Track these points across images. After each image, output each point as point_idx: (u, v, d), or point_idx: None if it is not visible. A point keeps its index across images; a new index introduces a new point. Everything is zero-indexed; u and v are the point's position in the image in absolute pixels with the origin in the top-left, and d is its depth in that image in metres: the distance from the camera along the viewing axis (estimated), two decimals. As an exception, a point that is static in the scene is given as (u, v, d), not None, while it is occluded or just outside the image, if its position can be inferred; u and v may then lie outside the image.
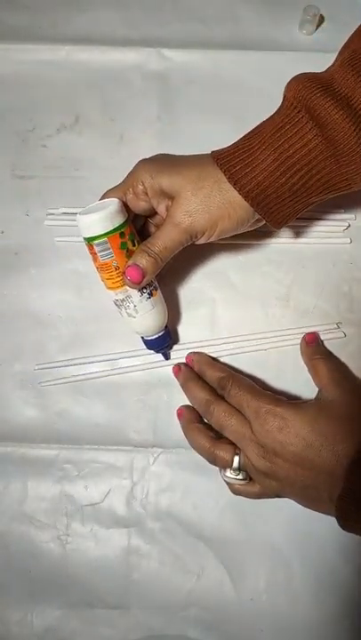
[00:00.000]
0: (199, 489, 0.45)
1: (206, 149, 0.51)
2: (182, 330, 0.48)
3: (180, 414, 0.46)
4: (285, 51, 0.53)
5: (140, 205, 0.42)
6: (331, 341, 0.48)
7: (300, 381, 0.46)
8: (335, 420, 0.39)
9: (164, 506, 0.46)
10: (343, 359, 0.47)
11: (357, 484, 0.36)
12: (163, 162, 0.41)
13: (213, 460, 0.42)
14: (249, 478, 0.41)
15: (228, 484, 0.43)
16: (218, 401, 0.42)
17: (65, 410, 0.48)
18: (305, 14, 0.52)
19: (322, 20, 0.54)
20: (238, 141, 0.39)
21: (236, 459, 0.41)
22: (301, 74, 0.38)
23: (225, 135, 0.51)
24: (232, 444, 0.41)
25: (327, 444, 0.37)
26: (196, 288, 0.49)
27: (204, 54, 0.53)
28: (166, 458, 0.47)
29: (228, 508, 0.46)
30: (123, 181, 0.42)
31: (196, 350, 0.47)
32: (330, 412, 0.39)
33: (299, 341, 0.47)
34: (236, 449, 0.41)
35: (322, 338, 0.47)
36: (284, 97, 0.39)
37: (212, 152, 0.40)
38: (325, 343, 0.47)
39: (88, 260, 0.49)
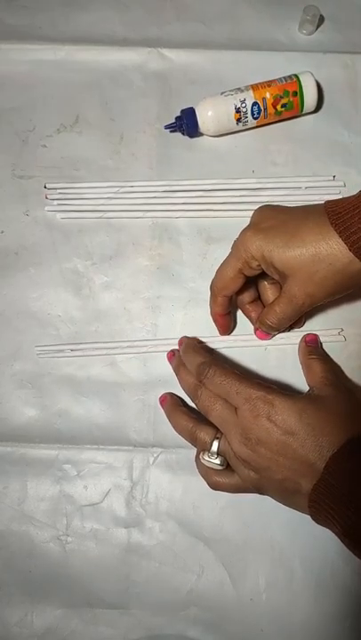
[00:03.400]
0: (199, 489, 0.45)
1: (206, 149, 0.51)
2: (182, 330, 0.48)
3: (163, 400, 0.46)
4: (285, 51, 0.53)
5: (254, 273, 0.43)
6: (331, 342, 0.48)
7: (299, 381, 0.46)
8: (324, 413, 0.38)
9: (163, 506, 0.46)
10: (343, 360, 0.47)
11: (334, 476, 0.36)
12: (272, 235, 0.40)
13: (193, 441, 0.42)
14: (226, 465, 0.41)
15: (205, 477, 0.43)
16: (206, 385, 0.42)
17: (65, 410, 0.48)
18: (305, 14, 0.52)
19: (322, 20, 0.54)
20: (357, 201, 0.38)
21: (216, 443, 0.41)
22: None
23: (224, 135, 0.52)
24: (215, 427, 0.41)
25: (313, 435, 0.37)
26: (196, 288, 0.49)
27: (204, 54, 0.53)
28: (166, 458, 0.47)
29: (228, 508, 0.46)
30: (234, 256, 0.42)
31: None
32: (319, 406, 0.39)
33: (298, 342, 0.47)
34: (217, 433, 0.41)
35: (322, 340, 0.47)
36: None
37: (331, 216, 0.39)
38: (325, 344, 0.47)
39: (87, 259, 0.50)
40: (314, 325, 0.48)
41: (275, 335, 0.47)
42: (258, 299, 0.47)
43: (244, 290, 0.46)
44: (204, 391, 0.42)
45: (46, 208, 0.50)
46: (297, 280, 0.40)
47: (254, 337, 0.48)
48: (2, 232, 0.50)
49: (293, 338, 0.47)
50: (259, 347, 0.48)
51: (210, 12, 0.55)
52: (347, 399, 0.41)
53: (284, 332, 0.47)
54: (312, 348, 0.46)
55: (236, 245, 0.42)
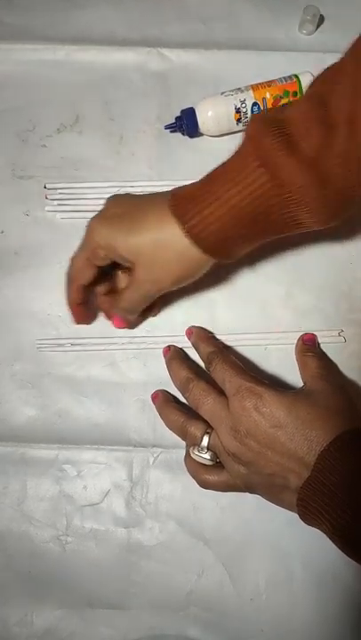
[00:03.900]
0: (199, 489, 0.45)
1: (206, 149, 0.51)
2: (182, 330, 0.48)
3: (154, 397, 0.46)
4: (285, 51, 0.53)
5: (105, 262, 0.42)
6: (331, 342, 0.48)
7: (299, 381, 0.46)
8: (314, 407, 0.38)
9: (163, 506, 0.46)
10: (344, 359, 0.47)
11: (324, 473, 0.35)
12: (116, 223, 0.41)
13: (184, 435, 0.43)
14: (216, 462, 0.41)
15: (194, 475, 0.43)
16: (198, 379, 0.43)
17: (65, 410, 0.48)
18: (305, 14, 0.52)
19: (322, 20, 0.54)
20: (196, 190, 0.39)
21: (206, 437, 0.41)
22: (259, 115, 0.39)
23: (224, 135, 0.52)
24: (205, 422, 0.42)
25: (302, 429, 0.37)
26: (196, 288, 0.49)
27: (204, 54, 0.53)
28: (166, 458, 0.47)
29: (228, 507, 0.46)
30: (83, 247, 0.43)
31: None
32: (310, 400, 0.39)
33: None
34: (207, 428, 0.41)
35: (322, 340, 0.47)
36: (244, 137, 0.38)
37: (171, 203, 0.39)
38: (326, 345, 0.48)
39: (88, 259, 0.50)
40: (314, 326, 0.48)
41: (131, 322, 0.47)
42: (114, 290, 0.47)
43: (99, 281, 0.46)
44: (196, 385, 0.42)
45: (46, 208, 0.50)
46: (142, 266, 0.40)
47: (255, 336, 0.48)
48: (2, 232, 0.50)
49: (294, 338, 0.47)
50: (259, 346, 0.48)
51: (210, 11, 0.55)
52: (338, 394, 0.40)
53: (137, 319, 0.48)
54: (309, 346, 0.46)
55: (85, 235, 0.42)
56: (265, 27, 0.55)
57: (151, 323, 0.49)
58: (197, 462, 0.42)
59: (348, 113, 0.34)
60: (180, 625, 0.45)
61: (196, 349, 0.46)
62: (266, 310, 0.49)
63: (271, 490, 0.39)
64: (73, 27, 0.54)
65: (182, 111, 0.50)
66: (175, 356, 0.46)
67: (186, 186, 0.40)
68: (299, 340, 0.47)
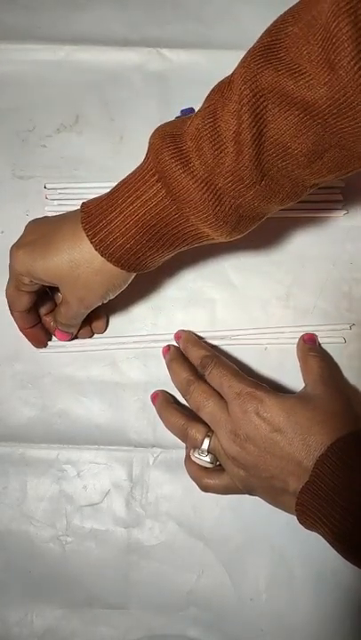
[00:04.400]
0: (199, 489, 0.45)
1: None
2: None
3: (154, 397, 0.46)
4: (285, 51, 0.53)
5: (34, 288, 0.42)
6: (331, 342, 0.48)
7: (298, 382, 0.46)
8: (313, 412, 0.38)
9: (163, 506, 0.46)
10: (343, 359, 0.47)
11: (322, 478, 0.36)
12: (33, 249, 0.40)
13: (184, 438, 0.43)
14: (217, 464, 0.42)
15: (195, 479, 0.43)
16: (198, 382, 0.43)
17: (65, 410, 0.48)
18: (305, 14, 0.52)
19: (322, 20, 0.54)
20: (103, 203, 0.38)
21: (207, 440, 0.41)
22: (164, 125, 0.38)
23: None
24: (206, 425, 0.42)
25: (301, 433, 0.37)
26: (196, 288, 0.49)
27: (204, 54, 0.53)
28: (166, 458, 0.47)
29: (228, 508, 0.46)
30: (10, 276, 0.42)
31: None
32: (310, 405, 0.39)
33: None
34: (208, 431, 0.41)
35: (322, 340, 0.47)
36: (148, 146, 0.38)
37: (82, 217, 0.39)
38: (326, 345, 0.48)
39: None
40: (313, 323, 0.48)
41: (74, 335, 0.47)
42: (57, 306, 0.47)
43: (43, 302, 0.46)
44: (197, 387, 0.42)
45: (46, 208, 0.50)
46: (65, 287, 0.40)
47: (255, 336, 0.48)
48: (2, 232, 0.50)
49: (294, 337, 0.47)
50: (259, 346, 0.48)
51: (210, 11, 0.55)
52: (339, 398, 0.41)
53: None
54: (311, 346, 0.46)
55: (9, 264, 0.42)
56: (265, 26, 0.54)
57: (151, 323, 0.49)
58: (198, 465, 0.42)
59: (235, 130, 0.33)
60: (180, 625, 0.45)
61: (187, 353, 0.46)
62: (266, 310, 0.49)
63: (271, 493, 0.39)
64: (73, 27, 0.54)
65: (182, 111, 0.50)
66: (175, 356, 0.46)
67: (96, 197, 0.39)
68: (300, 339, 0.47)
